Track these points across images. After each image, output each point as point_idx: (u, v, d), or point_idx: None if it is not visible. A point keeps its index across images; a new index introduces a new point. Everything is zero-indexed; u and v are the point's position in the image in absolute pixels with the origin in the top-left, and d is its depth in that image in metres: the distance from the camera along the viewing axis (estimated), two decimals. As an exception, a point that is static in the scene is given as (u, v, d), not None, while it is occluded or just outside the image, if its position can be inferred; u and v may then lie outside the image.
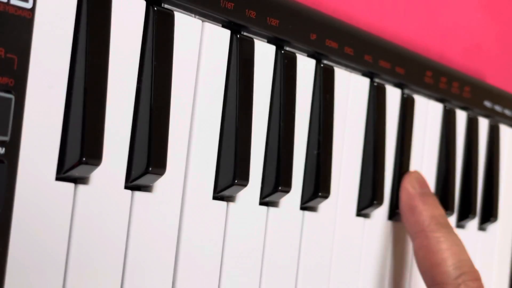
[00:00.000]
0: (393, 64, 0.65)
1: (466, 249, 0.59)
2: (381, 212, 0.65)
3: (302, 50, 0.57)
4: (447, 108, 0.72)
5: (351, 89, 0.62)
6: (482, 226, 0.78)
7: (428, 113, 0.70)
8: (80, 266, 0.43)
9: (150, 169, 0.45)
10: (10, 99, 0.39)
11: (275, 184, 0.54)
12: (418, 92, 0.69)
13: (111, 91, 0.44)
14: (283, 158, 0.54)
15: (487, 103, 0.77)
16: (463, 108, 0.75)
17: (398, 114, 0.67)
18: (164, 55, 0.47)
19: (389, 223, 0.66)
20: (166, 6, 0.48)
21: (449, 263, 0.56)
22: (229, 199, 0.52)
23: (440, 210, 0.61)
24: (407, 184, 0.63)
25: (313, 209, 0.59)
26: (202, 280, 0.50)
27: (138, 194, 0.46)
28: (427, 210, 0.60)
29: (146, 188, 0.47)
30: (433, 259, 0.57)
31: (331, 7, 0.65)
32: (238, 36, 0.52)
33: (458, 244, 0.59)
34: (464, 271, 0.57)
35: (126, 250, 0.46)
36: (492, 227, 0.79)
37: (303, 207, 0.58)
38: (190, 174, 0.49)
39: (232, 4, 0.51)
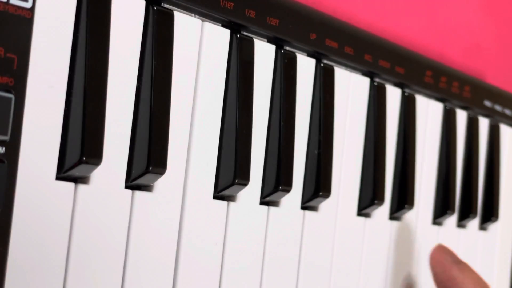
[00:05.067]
0: (393, 64, 0.65)
1: None
2: (381, 212, 0.65)
3: (302, 50, 0.57)
4: (447, 107, 0.72)
5: (351, 88, 0.62)
6: (483, 225, 0.78)
7: (428, 112, 0.70)
8: (80, 266, 0.43)
9: (151, 168, 0.45)
10: (10, 99, 0.39)
11: (276, 183, 0.54)
12: (418, 92, 0.69)
13: (111, 91, 0.44)
14: (284, 157, 0.54)
15: (487, 103, 0.77)
16: (463, 107, 0.75)
17: (399, 114, 0.66)
18: (164, 55, 0.47)
19: (390, 222, 0.66)
20: (166, 5, 0.48)
21: None
22: (230, 198, 0.52)
23: (476, 274, 0.64)
24: (439, 257, 0.65)
25: (313, 208, 0.59)
26: (202, 280, 0.50)
27: (138, 193, 0.46)
28: (468, 278, 0.63)
29: (147, 188, 0.47)
30: None
31: (331, 7, 0.65)
32: (238, 35, 0.52)
33: None
34: None
35: (127, 249, 0.46)
36: (493, 227, 0.79)
37: (304, 207, 0.58)
38: (190, 173, 0.49)
39: (232, 4, 0.51)
